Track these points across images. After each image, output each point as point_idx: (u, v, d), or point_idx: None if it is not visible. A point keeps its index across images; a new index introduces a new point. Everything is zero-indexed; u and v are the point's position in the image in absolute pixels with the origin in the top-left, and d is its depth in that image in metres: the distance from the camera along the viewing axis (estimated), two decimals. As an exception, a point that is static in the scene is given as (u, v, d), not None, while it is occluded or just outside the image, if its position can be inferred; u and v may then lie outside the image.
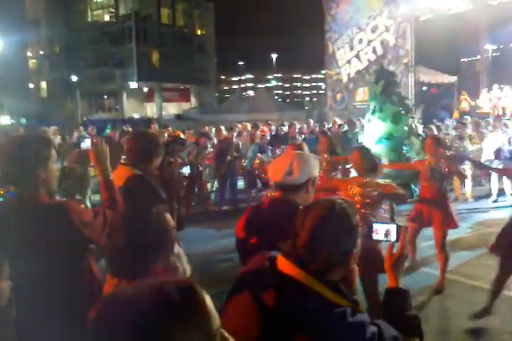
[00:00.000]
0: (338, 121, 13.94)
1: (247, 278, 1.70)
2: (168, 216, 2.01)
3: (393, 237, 1.82)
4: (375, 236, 1.85)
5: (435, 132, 10.59)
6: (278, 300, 1.53)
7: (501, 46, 26.25)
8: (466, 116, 14.12)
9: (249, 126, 13.05)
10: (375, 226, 1.85)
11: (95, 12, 54.87)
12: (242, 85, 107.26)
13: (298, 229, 1.62)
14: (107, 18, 54.56)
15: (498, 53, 26.81)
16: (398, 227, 1.82)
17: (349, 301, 1.52)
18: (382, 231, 1.83)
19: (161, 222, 1.95)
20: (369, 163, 4.14)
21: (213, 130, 12.81)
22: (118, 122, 23.70)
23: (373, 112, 9.20)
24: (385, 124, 8.89)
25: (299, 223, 1.62)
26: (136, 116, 41.71)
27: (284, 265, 1.58)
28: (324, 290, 1.51)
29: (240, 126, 13.58)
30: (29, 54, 56.81)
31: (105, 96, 52.54)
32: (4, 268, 1.82)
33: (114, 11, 53.35)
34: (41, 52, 55.90)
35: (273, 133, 12.53)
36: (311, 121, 15.28)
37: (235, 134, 11.60)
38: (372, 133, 9.00)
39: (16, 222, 2.10)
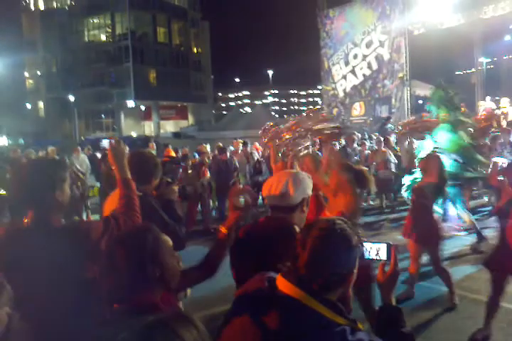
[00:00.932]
0: None
1: (246, 300, 1.69)
2: (165, 237, 1.91)
3: (384, 256, 1.84)
4: (366, 256, 1.86)
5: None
6: (281, 321, 1.53)
7: (495, 59, 26.52)
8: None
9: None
10: (366, 245, 1.85)
11: (92, 32, 55.35)
12: (239, 102, 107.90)
13: (298, 250, 1.62)
14: (103, 37, 55.02)
15: (492, 66, 27.06)
16: (389, 246, 1.84)
17: (348, 320, 1.54)
18: (373, 250, 1.85)
19: (145, 242, 1.83)
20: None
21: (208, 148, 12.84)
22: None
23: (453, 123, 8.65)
24: (464, 133, 8.49)
25: (300, 244, 1.63)
26: (133, 134, 41.77)
27: (285, 285, 1.59)
28: (324, 309, 1.53)
29: (234, 142, 13.55)
30: (26, 74, 57.15)
31: (103, 116, 52.76)
32: (4, 294, 1.77)
33: (110, 30, 53.84)
34: (38, 73, 56.25)
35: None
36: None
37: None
38: (454, 143, 8.46)
39: (30, 248, 2.06)
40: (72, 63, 51.45)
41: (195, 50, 59.82)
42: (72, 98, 44.06)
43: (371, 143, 13.66)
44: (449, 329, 4.68)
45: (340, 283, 1.62)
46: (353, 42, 22.91)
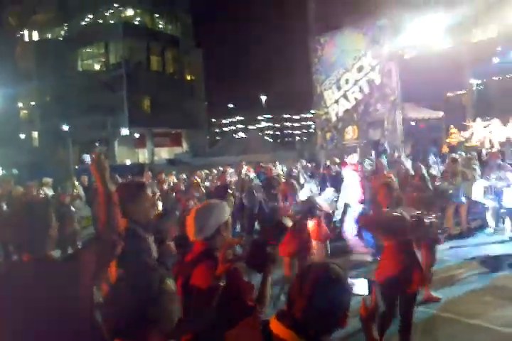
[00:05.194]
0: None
1: None
2: (170, 281, 1.88)
3: (365, 291, 1.90)
4: None
5: (423, 169, 10.57)
6: None
7: (485, 80, 26.87)
8: (460, 152, 14.20)
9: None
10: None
11: (85, 62, 55.89)
12: (233, 127, 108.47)
13: (294, 295, 1.67)
14: (97, 67, 55.54)
15: (482, 87, 27.40)
16: (369, 282, 1.92)
17: None
18: (354, 285, 1.90)
19: (151, 283, 1.81)
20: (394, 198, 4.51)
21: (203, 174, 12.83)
22: (110, 169, 23.49)
23: None
24: None
25: (295, 289, 1.68)
26: (127, 162, 41.74)
27: (279, 329, 1.62)
28: None
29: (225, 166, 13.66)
30: (20, 105, 57.35)
31: (96, 144, 52.79)
32: None
33: (104, 60, 54.38)
34: (32, 103, 56.48)
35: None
36: (303, 161, 15.36)
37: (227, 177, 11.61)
38: None
39: (31, 282, 2.15)
40: (66, 93, 51.73)
41: (188, 78, 60.41)
42: (66, 127, 44.13)
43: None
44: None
45: (336, 325, 1.68)
46: (344, 68, 23.17)
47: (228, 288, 2.34)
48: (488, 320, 5.31)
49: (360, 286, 1.90)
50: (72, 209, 9.36)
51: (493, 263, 7.60)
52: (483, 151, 15.34)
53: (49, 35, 57.50)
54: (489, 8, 16.65)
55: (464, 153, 13.96)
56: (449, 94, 28.28)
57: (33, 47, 55.99)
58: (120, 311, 1.74)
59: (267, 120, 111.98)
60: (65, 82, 52.16)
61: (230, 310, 2.20)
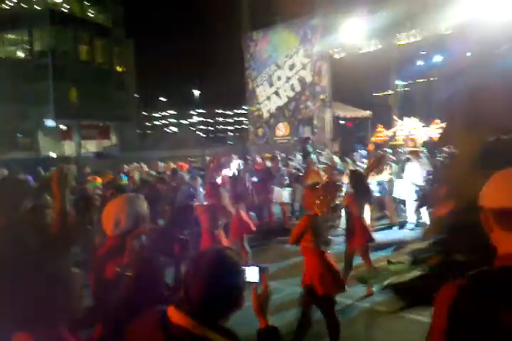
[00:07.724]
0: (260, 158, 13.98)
1: (139, 334, 1.71)
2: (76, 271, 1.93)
3: (255, 279, 1.91)
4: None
5: (350, 165, 10.91)
6: None
7: (410, 81, 28.11)
8: (385, 149, 14.69)
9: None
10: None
11: (7, 48, 52.97)
12: (165, 121, 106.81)
13: (189, 280, 1.68)
14: (21, 54, 52.79)
15: (408, 88, 28.66)
16: (260, 269, 1.93)
17: None
18: (247, 273, 1.89)
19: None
20: None
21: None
22: (32, 162, 22.36)
23: None
24: None
25: (190, 274, 1.69)
26: (53, 155, 40.10)
27: (176, 316, 1.63)
28: (216, 336, 1.61)
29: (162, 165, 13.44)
30: None
31: (19, 135, 50.25)
32: None
33: (28, 47, 51.79)
34: None
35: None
36: (234, 156, 15.35)
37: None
38: None
39: None
40: (-14, 80, 48.81)
41: (118, 69, 58.80)
42: (-15, 116, 41.67)
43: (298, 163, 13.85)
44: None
45: (232, 308, 1.72)
46: (276, 65, 23.39)
47: (137, 278, 2.31)
48: (410, 311, 5.61)
49: (251, 273, 1.90)
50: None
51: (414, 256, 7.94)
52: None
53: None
54: (413, 14, 17.32)
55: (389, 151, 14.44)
56: (375, 94, 29.31)
57: None
58: (28, 300, 1.75)
59: (200, 115, 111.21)
60: (-16, 68, 49.20)
61: (138, 300, 2.17)
